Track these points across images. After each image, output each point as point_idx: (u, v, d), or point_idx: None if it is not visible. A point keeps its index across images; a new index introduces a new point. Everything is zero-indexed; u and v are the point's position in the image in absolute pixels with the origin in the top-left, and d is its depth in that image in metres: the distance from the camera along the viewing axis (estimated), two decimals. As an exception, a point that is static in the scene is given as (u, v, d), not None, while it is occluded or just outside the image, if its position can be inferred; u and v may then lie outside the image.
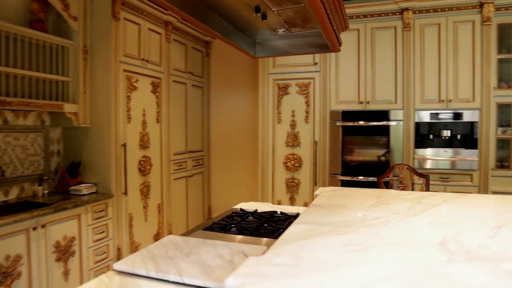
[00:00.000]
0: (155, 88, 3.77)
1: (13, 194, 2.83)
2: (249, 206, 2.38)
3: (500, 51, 3.52)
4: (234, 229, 1.84)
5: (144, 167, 3.59)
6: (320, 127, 3.98)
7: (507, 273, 0.91)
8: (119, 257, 3.21)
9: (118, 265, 1.23)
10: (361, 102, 3.83)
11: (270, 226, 1.86)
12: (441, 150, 3.60)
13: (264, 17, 1.70)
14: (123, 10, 3.21)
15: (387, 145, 3.77)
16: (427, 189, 2.72)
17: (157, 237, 3.81)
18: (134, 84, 3.42)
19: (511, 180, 3.47)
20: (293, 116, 4.09)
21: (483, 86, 3.45)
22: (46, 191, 3.02)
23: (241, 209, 2.26)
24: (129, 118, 3.37)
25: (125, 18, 3.26)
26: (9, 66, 2.54)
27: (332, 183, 3.92)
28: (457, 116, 3.52)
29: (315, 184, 4.02)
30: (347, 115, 3.87)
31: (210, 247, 1.41)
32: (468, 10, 3.45)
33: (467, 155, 3.52)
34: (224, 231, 1.79)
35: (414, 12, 3.60)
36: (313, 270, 0.93)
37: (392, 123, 3.71)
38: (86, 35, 3.10)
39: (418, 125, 3.66)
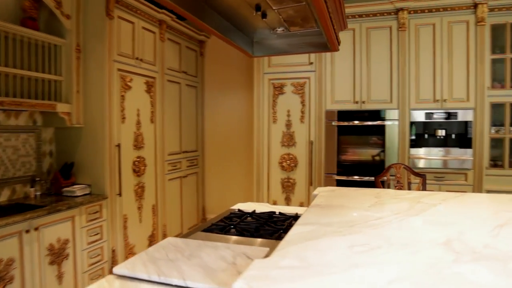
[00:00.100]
0: (149, 87, 3.72)
1: (4, 196, 2.77)
2: (246, 206, 2.36)
3: (493, 51, 3.56)
4: (233, 230, 1.82)
5: (138, 168, 3.54)
6: (315, 127, 3.97)
7: (516, 273, 0.91)
8: (113, 259, 3.16)
9: (118, 269, 1.20)
10: (357, 102, 3.84)
11: (270, 227, 1.85)
12: (436, 149, 3.63)
13: (264, 15, 1.68)
14: (117, 8, 3.16)
15: (382, 145, 3.78)
16: (424, 188, 2.73)
17: (151, 238, 3.77)
18: (128, 83, 3.37)
19: (505, 179, 3.51)
20: (288, 116, 4.08)
21: (477, 86, 3.49)
22: (38, 193, 2.96)
23: (239, 210, 2.24)
24: (123, 118, 3.32)
25: (119, 16, 3.21)
26: (0, 65, 2.48)
27: (327, 183, 3.92)
28: (452, 115, 3.55)
29: (310, 184, 4.01)
30: (343, 115, 3.87)
31: (211, 249, 1.38)
32: (463, 10, 3.48)
33: (462, 155, 3.55)
34: (224, 233, 1.77)
35: (409, 12, 3.61)
36: (321, 272, 0.91)
37: (387, 123, 3.72)
38: (79, 34, 3.05)
39: (413, 124, 3.68)
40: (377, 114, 3.76)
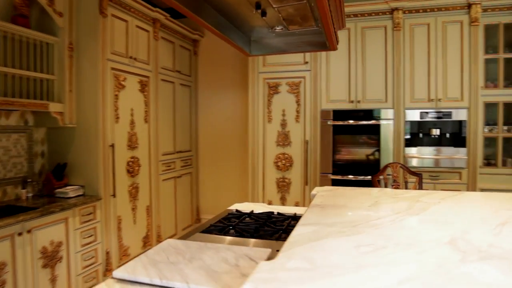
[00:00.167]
0: (143, 87, 3.67)
1: (-5, 198, 2.70)
2: (244, 207, 2.34)
3: (487, 51, 3.59)
4: (232, 231, 1.79)
5: (132, 168, 3.49)
6: (310, 126, 3.97)
7: (524, 272, 0.90)
8: (107, 261, 3.11)
9: (118, 273, 1.16)
10: (352, 101, 3.84)
11: (269, 228, 1.83)
12: (431, 148, 3.65)
13: (263, 13, 1.66)
14: (110, 6, 3.11)
15: (377, 144, 3.79)
16: (420, 188, 2.74)
17: (146, 239, 3.72)
18: (122, 82, 3.32)
19: (498, 177, 3.55)
20: (283, 115, 4.07)
21: (471, 85, 3.52)
22: (30, 194, 2.89)
23: (236, 210, 2.22)
24: (117, 117, 3.27)
25: (112, 14, 3.15)
26: (-10, 63, 2.42)
27: (323, 182, 3.91)
28: (446, 115, 3.58)
29: (306, 183, 4.01)
30: (338, 114, 3.87)
31: (212, 251, 1.36)
32: (457, 10, 3.51)
33: (456, 153, 3.57)
34: (223, 234, 1.74)
35: (404, 12, 3.63)
36: (330, 273, 0.90)
37: (382, 122, 3.74)
38: (72, 32, 2.99)
39: (408, 124, 3.70)
40: (372, 114, 3.77)
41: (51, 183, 2.98)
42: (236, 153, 4.87)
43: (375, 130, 3.77)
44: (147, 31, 3.72)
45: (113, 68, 3.19)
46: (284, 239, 1.62)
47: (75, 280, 2.75)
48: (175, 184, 4.35)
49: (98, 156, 3.05)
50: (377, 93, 3.76)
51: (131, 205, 3.49)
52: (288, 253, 1.06)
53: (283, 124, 4.07)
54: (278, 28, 1.95)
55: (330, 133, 3.91)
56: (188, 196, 4.72)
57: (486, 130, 3.62)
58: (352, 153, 3.94)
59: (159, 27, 3.90)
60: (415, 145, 3.70)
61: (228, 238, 1.67)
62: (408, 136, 3.70)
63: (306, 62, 3.94)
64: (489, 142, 3.65)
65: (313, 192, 2.21)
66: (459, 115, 3.55)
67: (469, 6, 3.47)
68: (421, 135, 3.71)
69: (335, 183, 3.88)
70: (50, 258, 2.53)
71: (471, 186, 3.52)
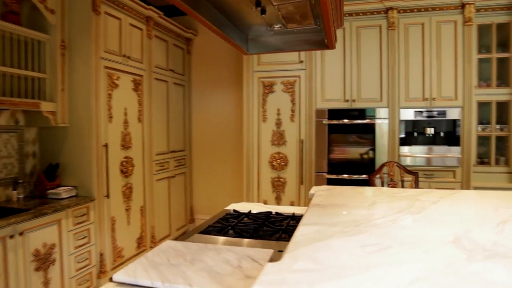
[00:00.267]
0: (137, 86, 3.62)
1: (-15, 199, 2.63)
2: (241, 207, 2.32)
3: (480, 51, 3.63)
4: (231, 231, 1.77)
5: (126, 168, 3.44)
6: (306, 126, 3.96)
7: (532, 271, 0.90)
8: (101, 263, 3.05)
9: (118, 276, 1.13)
10: (347, 100, 3.84)
11: (269, 228, 1.81)
12: (425, 147, 3.67)
13: (263, 11, 1.63)
14: (103, 3, 3.05)
15: (372, 143, 3.80)
16: (417, 186, 2.75)
17: (140, 240, 3.67)
18: (115, 81, 3.27)
19: (491, 175, 3.59)
20: (278, 114, 4.05)
21: (464, 85, 3.55)
22: (21, 196, 2.83)
23: (234, 210, 2.19)
24: (111, 117, 3.21)
25: (105, 12, 3.10)
26: (-21, 61, 2.36)
27: (318, 182, 3.91)
28: (440, 114, 3.60)
29: (301, 183, 4.00)
30: (333, 113, 3.87)
31: (213, 252, 1.33)
32: (451, 10, 3.53)
33: (450, 152, 3.60)
34: (222, 234, 1.72)
35: (399, 12, 3.64)
36: (339, 274, 0.88)
37: (377, 121, 3.75)
38: (65, 30, 2.92)
39: (402, 123, 3.71)
40: (367, 113, 3.78)
41: (43, 184, 2.91)
42: (230, 152, 4.84)
43: (370, 129, 3.78)
44: (140, 29, 3.66)
45: (106, 67, 3.13)
46: (284, 239, 1.61)
47: (68, 283, 2.70)
48: (169, 184, 4.31)
49: (91, 156, 2.99)
50: (372, 92, 3.77)
51: (125, 205, 3.44)
52: (294, 254, 1.04)
53: (278, 124, 4.05)
54: (276, 26, 1.93)
55: (325, 132, 3.91)
56: (182, 196, 4.68)
57: (479, 129, 3.66)
58: (347, 152, 3.94)
59: (153, 26, 3.85)
60: (409, 144, 3.72)
61: (228, 238, 1.64)
62: (402, 135, 3.72)
63: (301, 61, 3.93)
64: (482, 141, 3.69)
65: (311, 191, 2.20)
66: (453, 114, 3.58)
67: (462, 6, 3.49)
68: (415, 134, 3.73)
69: (331, 182, 3.87)
70: (43, 261, 2.47)
71: (465, 185, 3.55)
